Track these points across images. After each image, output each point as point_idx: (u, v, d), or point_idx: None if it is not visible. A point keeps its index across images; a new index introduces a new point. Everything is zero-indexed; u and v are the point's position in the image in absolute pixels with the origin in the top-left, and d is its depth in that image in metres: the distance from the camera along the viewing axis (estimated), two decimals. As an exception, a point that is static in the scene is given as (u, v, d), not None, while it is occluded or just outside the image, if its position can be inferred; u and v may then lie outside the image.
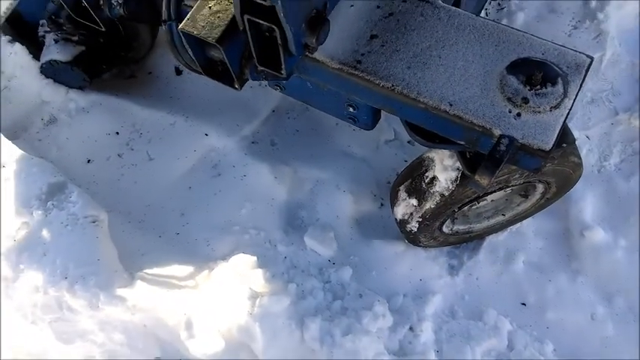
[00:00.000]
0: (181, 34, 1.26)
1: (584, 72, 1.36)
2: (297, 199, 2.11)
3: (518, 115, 1.32)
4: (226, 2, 1.25)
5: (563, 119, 1.31)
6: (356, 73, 1.38)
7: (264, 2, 1.07)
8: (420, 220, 1.79)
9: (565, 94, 1.33)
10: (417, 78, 1.37)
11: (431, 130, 1.43)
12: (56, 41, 2.09)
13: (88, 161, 2.17)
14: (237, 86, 1.34)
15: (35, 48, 2.16)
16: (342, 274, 1.92)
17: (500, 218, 1.95)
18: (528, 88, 1.33)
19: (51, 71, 2.15)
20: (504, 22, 2.42)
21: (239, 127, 2.23)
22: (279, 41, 1.18)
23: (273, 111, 2.29)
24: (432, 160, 1.69)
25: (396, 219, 1.90)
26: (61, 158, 2.14)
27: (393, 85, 1.36)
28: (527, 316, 1.95)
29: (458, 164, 1.58)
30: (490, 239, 2.05)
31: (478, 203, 1.85)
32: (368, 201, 2.13)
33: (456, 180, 1.61)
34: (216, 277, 1.85)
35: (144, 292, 1.78)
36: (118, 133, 2.22)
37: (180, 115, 2.24)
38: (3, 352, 1.74)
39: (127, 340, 1.75)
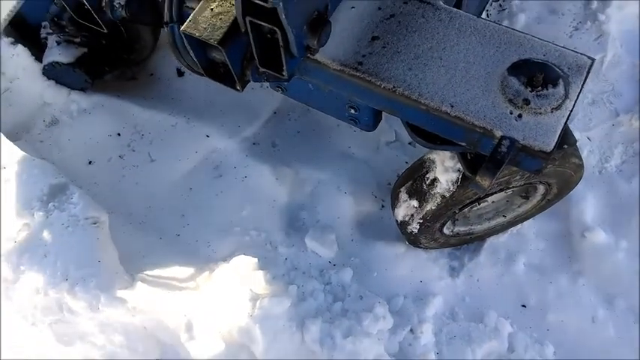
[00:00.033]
0: (183, 35, 1.26)
1: (585, 73, 1.36)
2: (297, 201, 2.11)
3: (520, 116, 1.32)
4: (228, 4, 1.25)
5: (564, 120, 1.31)
6: (357, 74, 1.38)
7: (265, 4, 1.07)
8: (421, 221, 1.78)
9: (566, 96, 1.33)
10: (419, 79, 1.37)
11: (432, 131, 1.43)
12: (58, 43, 2.09)
13: (90, 162, 2.17)
14: (238, 88, 1.35)
15: (37, 50, 2.16)
16: (343, 276, 1.92)
17: (501, 220, 1.95)
18: (529, 89, 1.33)
19: (53, 73, 2.16)
20: (505, 23, 2.43)
21: (240, 128, 2.23)
22: (281, 43, 1.18)
23: (275, 112, 2.29)
24: (433, 162, 1.69)
25: (396, 220, 1.90)
26: (62, 159, 2.14)
27: (394, 87, 1.36)
28: (528, 317, 1.95)
29: (459, 165, 1.58)
30: (491, 241, 2.05)
31: (479, 204, 1.85)
32: (369, 202, 2.13)
33: (456, 181, 1.61)
34: (216, 279, 1.85)
35: (144, 294, 1.78)
36: (119, 134, 2.22)
37: (181, 117, 2.24)
38: (3, 353, 1.74)
39: (127, 341, 1.75)
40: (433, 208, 1.70)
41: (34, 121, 2.21)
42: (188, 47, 1.29)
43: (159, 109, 2.26)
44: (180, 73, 2.35)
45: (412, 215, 1.80)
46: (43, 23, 2.11)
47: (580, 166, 1.64)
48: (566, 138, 1.45)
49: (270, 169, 2.14)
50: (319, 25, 1.22)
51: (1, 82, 2.19)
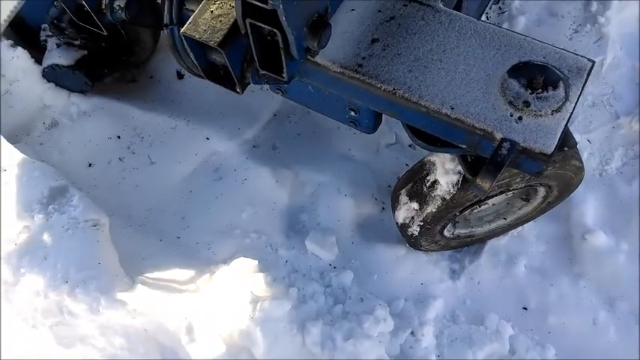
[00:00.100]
0: (183, 37, 1.26)
1: (585, 76, 1.36)
2: (298, 203, 2.11)
3: (520, 118, 1.32)
4: (228, 6, 1.25)
5: (564, 123, 1.31)
6: (357, 76, 1.38)
7: (265, 6, 1.07)
8: (422, 223, 1.78)
9: (566, 98, 1.33)
10: (419, 81, 1.37)
11: (432, 133, 1.43)
12: (58, 45, 2.09)
13: (90, 165, 2.17)
14: (238, 90, 1.35)
15: (37, 52, 2.16)
16: (344, 278, 1.92)
17: (501, 222, 1.94)
18: (530, 91, 1.33)
19: (53, 75, 2.16)
20: (505, 25, 2.43)
21: (240, 130, 2.23)
22: (281, 45, 1.18)
23: (275, 115, 2.29)
24: (434, 164, 1.69)
25: (397, 223, 1.89)
26: (62, 162, 2.14)
27: (394, 89, 1.36)
28: (529, 320, 1.94)
29: (459, 168, 1.58)
30: (492, 243, 2.05)
31: (479, 207, 1.85)
32: (369, 205, 2.13)
33: (457, 183, 1.61)
34: (217, 281, 1.85)
35: (145, 296, 1.77)
36: (119, 136, 2.22)
37: (181, 119, 2.24)
38: (3, 355, 1.74)
39: (128, 344, 1.75)
40: (434, 210, 1.70)
41: (34, 123, 2.21)
42: (188, 49, 1.29)
43: (159, 111, 2.26)
44: (180, 76, 2.36)
45: (413, 218, 1.80)
46: (43, 26, 2.11)
47: (580, 169, 1.63)
48: (566, 140, 1.45)
49: (270, 172, 2.13)
50: (319, 27, 1.22)
51: (0, 84, 2.19)
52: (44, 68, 2.13)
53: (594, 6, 2.45)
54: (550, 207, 1.88)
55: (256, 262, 1.87)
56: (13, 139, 2.12)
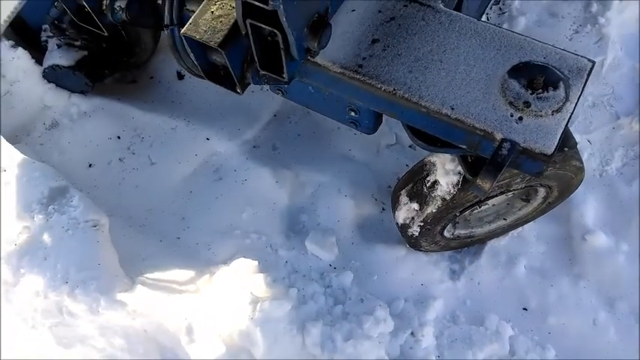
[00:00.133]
0: (183, 38, 1.26)
1: (585, 76, 1.36)
2: (298, 204, 2.11)
3: (520, 119, 1.32)
4: (228, 7, 1.25)
5: (564, 123, 1.31)
6: (357, 77, 1.38)
7: (266, 6, 1.07)
8: (422, 224, 1.78)
9: (567, 98, 1.33)
10: (419, 82, 1.37)
11: (432, 134, 1.43)
12: (59, 46, 2.09)
13: (90, 165, 2.17)
14: (239, 90, 1.35)
15: (38, 53, 2.16)
16: (344, 279, 1.92)
17: (501, 222, 1.94)
18: (530, 92, 1.33)
19: (53, 76, 2.16)
20: (505, 26, 2.43)
21: (240, 131, 2.23)
22: (281, 45, 1.18)
23: (275, 115, 2.29)
24: (434, 164, 1.68)
25: (397, 223, 1.89)
26: (62, 162, 2.14)
27: (394, 89, 1.36)
28: (529, 321, 1.94)
29: (459, 168, 1.58)
30: (492, 244, 2.05)
31: (479, 207, 1.85)
32: (369, 205, 2.13)
33: (457, 184, 1.61)
34: (217, 282, 1.85)
35: (144, 297, 1.77)
36: (119, 137, 2.22)
37: (181, 120, 2.24)
38: (3, 355, 1.73)
39: (128, 345, 1.75)
40: (434, 210, 1.70)
41: (34, 124, 2.21)
42: (188, 50, 1.29)
43: (159, 112, 2.26)
44: (180, 76, 2.36)
45: (413, 218, 1.80)
46: (44, 26, 2.11)
47: (580, 169, 1.63)
48: (566, 141, 1.45)
49: (270, 172, 2.13)
50: (320, 27, 1.22)
51: (1, 84, 2.19)
52: (45, 69, 2.13)
53: (594, 7, 2.45)
54: (550, 207, 1.88)
55: (256, 262, 1.87)
56: (14, 140, 2.12)
